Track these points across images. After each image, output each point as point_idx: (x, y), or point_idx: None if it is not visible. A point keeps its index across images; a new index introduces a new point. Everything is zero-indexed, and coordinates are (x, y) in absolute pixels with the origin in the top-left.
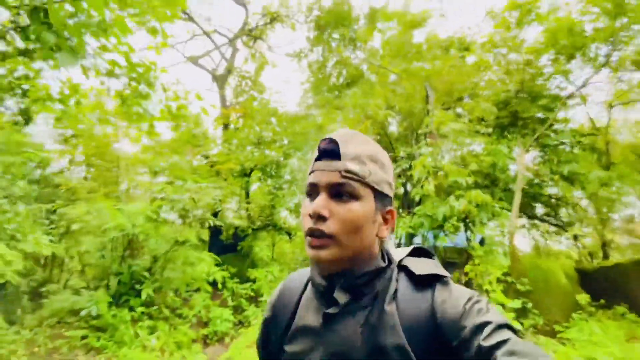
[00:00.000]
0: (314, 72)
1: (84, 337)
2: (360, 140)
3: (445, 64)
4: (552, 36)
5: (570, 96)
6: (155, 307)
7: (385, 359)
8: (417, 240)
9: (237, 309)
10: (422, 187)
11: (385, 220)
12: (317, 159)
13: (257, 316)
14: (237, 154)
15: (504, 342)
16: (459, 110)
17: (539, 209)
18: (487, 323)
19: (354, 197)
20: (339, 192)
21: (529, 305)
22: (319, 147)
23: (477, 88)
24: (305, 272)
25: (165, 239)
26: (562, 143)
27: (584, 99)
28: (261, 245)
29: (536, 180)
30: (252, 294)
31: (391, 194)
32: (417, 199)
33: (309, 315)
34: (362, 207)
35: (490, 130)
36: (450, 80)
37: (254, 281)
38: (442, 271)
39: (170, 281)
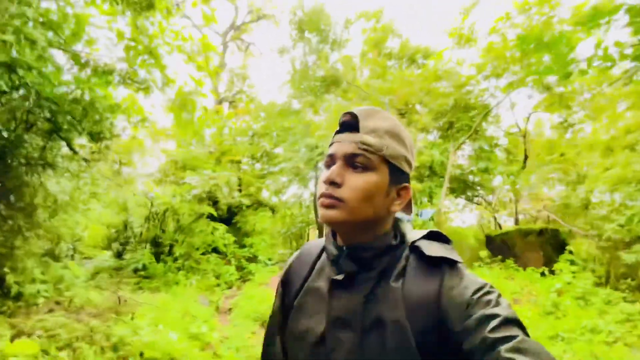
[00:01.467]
0: (296, 68)
1: (137, 284)
2: (381, 116)
3: (401, 78)
4: (485, 57)
5: (493, 107)
6: (185, 261)
7: (382, 330)
8: None
9: (238, 268)
10: None
11: (399, 196)
12: (338, 132)
13: (256, 271)
14: (238, 146)
15: (511, 337)
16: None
17: (469, 192)
18: (495, 315)
19: (369, 168)
20: (354, 163)
21: None
22: (340, 120)
23: (429, 96)
24: (322, 241)
25: (189, 213)
26: (481, 146)
27: (512, 106)
28: (251, 219)
29: (466, 172)
30: (250, 255)
31: (408, 171)
32: None
33: (319, 280)
34: (376, 178)
35: (430, 135)
36: (405, 92)
37: (250, 246)
38: (454, 255)
39: (194, 244)
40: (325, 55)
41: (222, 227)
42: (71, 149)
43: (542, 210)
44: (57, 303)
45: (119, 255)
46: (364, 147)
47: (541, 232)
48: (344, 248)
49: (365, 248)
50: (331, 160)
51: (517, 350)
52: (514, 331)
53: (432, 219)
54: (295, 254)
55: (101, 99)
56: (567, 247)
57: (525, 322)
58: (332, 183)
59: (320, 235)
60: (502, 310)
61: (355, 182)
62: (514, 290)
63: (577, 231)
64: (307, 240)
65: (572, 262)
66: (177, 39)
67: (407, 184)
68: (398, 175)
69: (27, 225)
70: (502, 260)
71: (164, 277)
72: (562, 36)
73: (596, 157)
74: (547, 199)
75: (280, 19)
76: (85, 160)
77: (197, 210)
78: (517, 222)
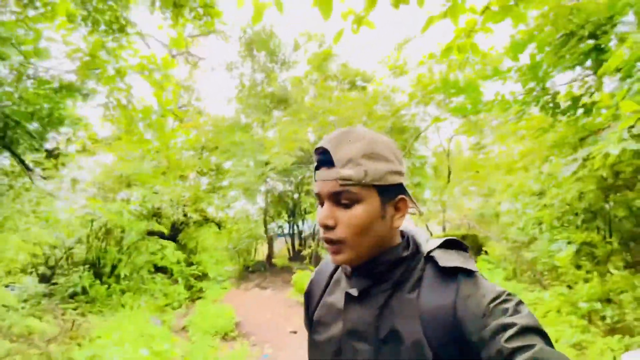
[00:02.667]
0: (244, 84)
1: (75, 309)
2: (354, 138)
3: (345, 100)
4: (415, 87)
5: (423, 131)
6: (130, 282)
7: (398, 343)
8: None
9: (187, 287)
10: None
11: (398, 209)
12: (317, 168)
13: (207, 288)
14: (187, 160)
15: (528, 347)
16: None
17: None
18: (512, 325)
19: (356, 201)
20: (339, 200)
21: None
22: (314, 158)
23: (370, 119)
24: None
25: (137, 230)
26: (414, 163)
27: (437, 130)
28: (195, 235)
29: None
30: (199, 273)
31: (398, 181)
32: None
33: (336, 293)
34: (366, 209)
35: None
36: (348, 114)
37: (198, 264)
38: (469, 265)
39: (139, 264)
40: (274, 75)
41: (171, 245)
42: (24, 165)
43: (464, 219)
44: None
45: (46, 279)
46: (344, 182)
47: (463, 238)
48: (356, 266)
49: (377, 262)
50: (319, 199)
51: None
52: (532, 340)
53: None
54: (316, 269)
55: (61, 112)
56: (484, 249)
57: None
58: (326, 227)
59: (270, 250)
60: (520, 319)
61: (348, 220)
62: None
63: (491, 236)
64: (254, 255)
65: (488, 262)
66: (135, 56)
67: (402, 196)
68: (389, 192)
69: None
70: None
71: (107, 300)
72: (473, 83)
73: (501, 174)
74: (467, 210)
75: (230, 34)
76: (42, 177)
77: (144, 228)
78: (444, 229)
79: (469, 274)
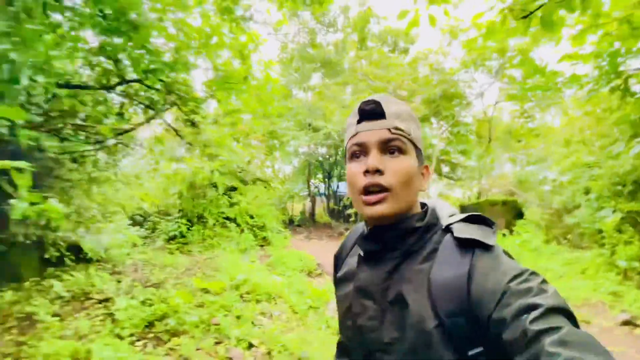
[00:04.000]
0: (288, 46)
1: (177, 249)
2: (397, 101)
3: (397, 67)
4: (469, 54)
5: (477, 96)
6: (214, 229)
7: (404, 308)
8: None
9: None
10: None
11: (423, 175)
12: (359, 121)
13: (272, 237)
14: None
15: (555, 329)
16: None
17: (445, 169)
18: (537, 305)
19: (403, 152)
20: (389, 148)
21: None
22: (360, 109)
23: (424, 87)
24: None
25: (222, 185)
26: (459, 130)
27: (482, 96)
28: (251, 192)
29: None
30: (261, 224)
31: (423, 151)
32: None
33: (355, 255)
34: (411, 161)
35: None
36: (402, 81)
37: (259, 217)
38: (487, 238)
39: (221, 214)
40: (317, 40)
41: (244, 198)
42: (172, 128)
43: (505, 185)
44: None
45: (139, 226)
46: (397, 131)
47: (504, 203)
48: (369, 228)
49: (389, 229)
50: (361, 149)
51: (563, 343)
52: (559, 322)
53: None
54: (348, 232)
55: None
56: (524, 214)
57: None
58: (376, 171)
59: (313, 207)
60: (546, 299)
61: (397, 167)
62: None
63: (532, 201)
64: (291, 212)
65: (529, 225)
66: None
67: (426, 163)
68: (420, 156)
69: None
70: None
71: (202, 242)
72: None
73: (545, 143)
74: (506, 175)
75: None
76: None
77: (226, 184)
78: (479, 195)
79: (488, 248)
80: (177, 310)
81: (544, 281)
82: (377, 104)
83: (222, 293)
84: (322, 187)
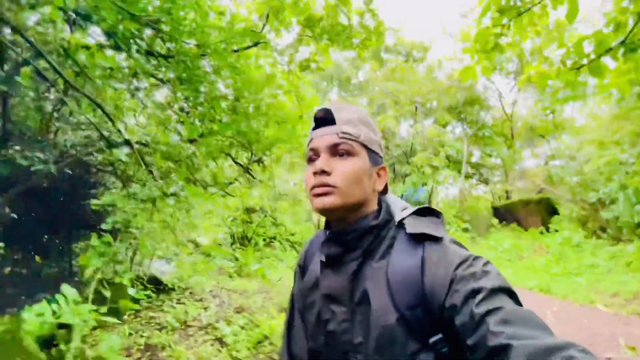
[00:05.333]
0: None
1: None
2: (350, 108)
3: (416, 77)
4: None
5: (501, 101)
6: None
7: (368, 306)
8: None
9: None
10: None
11: (379, 176)
12: (314, 128)
13: None
14: None
15: (498, 309)
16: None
17: (470, 170)
18: (480, 289)
19: (351, 154)
20: (337, 151)
21: (469, 226)
22: (315, 117)
23: (445, 95)
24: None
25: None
26: (484, 133)
27: (499, 95)
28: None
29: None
30: (301, 240)
31: (381, 154)
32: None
33: (317, 262)
34: (359, 162)
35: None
36: (425, 91)
37: (295, 233)
38: (436, 231)
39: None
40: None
41: (283, 216)
42: (244, 168)
43: (532, 183)
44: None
45: None
46: (345, 135)
47: (539, 201)
48: (329, 232)
49: (347, 231)
50: (314, 153)
51: (505, 322)
52: (500, 302)
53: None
54: (306, 243)
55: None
56: (560, 211)
57: (546, 267)
58: (322, 172)
59: None
60: (488, 282)
61: (344, 168)
62: (526, 246)
63: (566, 198)
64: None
65: (566, 222)
66: None
67: (384, 165)
68: (375, 158)
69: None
70: (507, 225)
71: (257, 262)
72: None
73: (582, 143)
74: (532, 172)
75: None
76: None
77: (272, 206)
78: (508, 194)
79: (436, 239)
80: (275, 332)
81: (486, 263)
82: (328, 111)
83: None
84: None
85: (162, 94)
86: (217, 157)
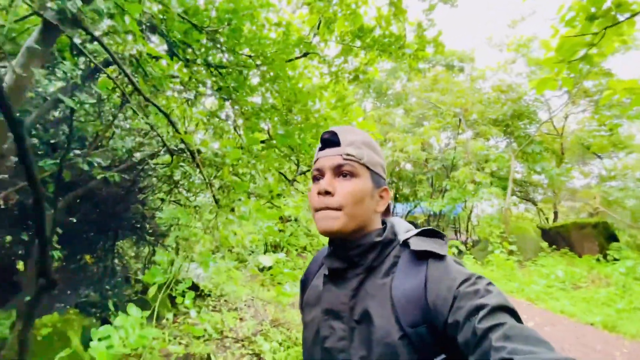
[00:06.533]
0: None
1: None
2: (356, 131)
3: (462, 89)
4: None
5: (549, 118)
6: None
7: (370, 324)
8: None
9: None
10: (457, 181)
11: (381, 197)
12: (320, 149)
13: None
14: None
15: (500, 325)
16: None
17: (515, 188)
18: (483, 305)
19: (354, 175)
20: (341, 172)
21: (515, 248)
22: (321, 138)
23: (490, 107)
24: None
25: (304, 218)
26: (533, 149)
27: (549, 110)
28: None
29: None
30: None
31: (384, 175)
32: (447, 187)
33: (320, 277)
34: (362, 183)
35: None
36: (470, 103)
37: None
38: (439, 249)
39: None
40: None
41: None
42: (288, 180)
43: (586, 204)
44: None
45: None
46: (348, 157)
47: (595, 225)
48: (332, 247)
49: (351, 247)
50: (319, 173)
51: (507, 337)
52: (502, 318)
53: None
54: (314, 256)
55: None
56: (619, 237)
57: (609, 301)
58: (326, 193)
59: None
60: (490, 299)
61: (347, 188)
62: (582, 275)
63: (628, 222)
64: None
65: (623, 250)
66: None
67: (386, 187)
68: (378, 180)
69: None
70: (557, 249)
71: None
72: None
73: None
74: (583, 193)
75: None
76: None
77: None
78: (556, 215)
79: (440, 258)
80: None
81: (489, 283)
82: (334, 133)
83: None
84: None
85: (211, 104)
86: (274, 169)
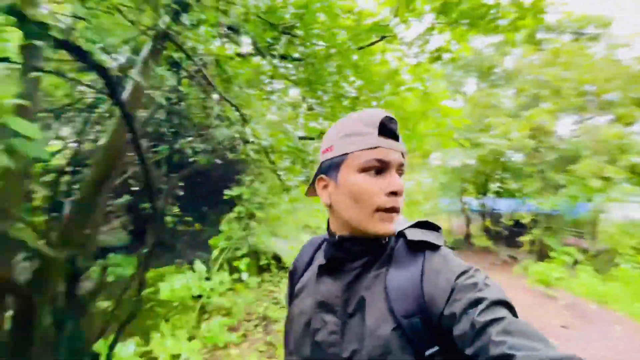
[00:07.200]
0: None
1: None
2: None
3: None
4: None
5: None
6: None
7: (363, 316)
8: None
9: None
10: None
11: None
12: (380, 135)
13: None
14: None
15: (499, 319)
16: None
17: None
18: (482, 299)
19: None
20: (399, 171)
21: None
22: (381, 123)
23: (624, 82)
24: (322, 235)
25: None
26: None
27: None
28: None
29: None
30: None
31: None
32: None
33: (314, 268)
34: None
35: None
36: (594, 78)
37: None
38: (436, 240)
39: None
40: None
41: None
42: None
43: None
44: None
45: None
46: (404, 157)
47: None
48: (336, 237)
49: (356, 242)
50: (381, 166)
51: (507, 332)
52: (501, 313)
53: None
54: (300, 248)
55: None
56: None
57: None
58: (397, 194)
59: (468, 228)
60: (489, 293)
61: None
62: None
63: None
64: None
65: None
66: None
67: None
68: None
69: None
70: None
71: None
72: None
73: None
74: None
75: None
76: None
77: None
78: None
79: (436, 248)
80: None
81: (487, 277)
82: (396, 123)
83: None
84: (473, 204)
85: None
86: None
